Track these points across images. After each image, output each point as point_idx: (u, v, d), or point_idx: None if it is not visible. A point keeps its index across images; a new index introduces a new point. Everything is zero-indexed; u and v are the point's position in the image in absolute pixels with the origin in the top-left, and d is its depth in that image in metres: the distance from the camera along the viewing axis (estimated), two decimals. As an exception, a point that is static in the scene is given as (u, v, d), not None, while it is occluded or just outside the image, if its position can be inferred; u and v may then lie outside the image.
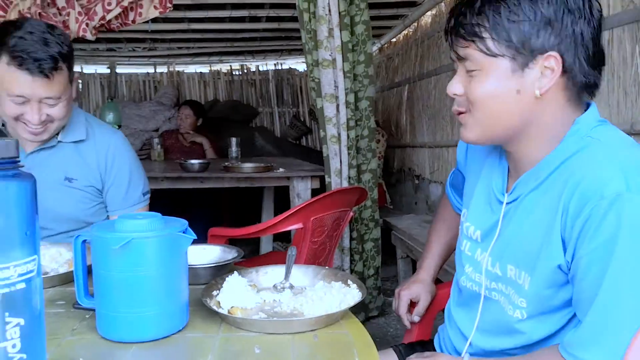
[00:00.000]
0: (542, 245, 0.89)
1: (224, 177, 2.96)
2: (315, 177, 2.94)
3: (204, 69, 5.83)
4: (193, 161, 3.03)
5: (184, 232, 0.93)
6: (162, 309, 0.89)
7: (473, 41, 0.89)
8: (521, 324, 0.95)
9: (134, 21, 2.82)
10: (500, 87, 0.89)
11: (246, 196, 4.02)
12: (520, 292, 0.93)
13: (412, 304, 1.31)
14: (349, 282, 1.09)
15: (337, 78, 2.77)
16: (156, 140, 3.85)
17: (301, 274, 1.17)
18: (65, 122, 1.50)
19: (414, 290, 1.31)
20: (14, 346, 0.54)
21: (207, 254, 1.28)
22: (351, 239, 2.91)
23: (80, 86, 5.52)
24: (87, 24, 2.64)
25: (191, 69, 5.82)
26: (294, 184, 2.90)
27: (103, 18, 2.68)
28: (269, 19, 4.20)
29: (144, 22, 2.89)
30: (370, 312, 2.96)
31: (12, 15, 2.54)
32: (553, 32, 0.86)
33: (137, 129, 4.75)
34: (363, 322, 2.40)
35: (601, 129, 0.90)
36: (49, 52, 1.34)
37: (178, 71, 5.75)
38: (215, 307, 0.97)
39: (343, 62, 2.76)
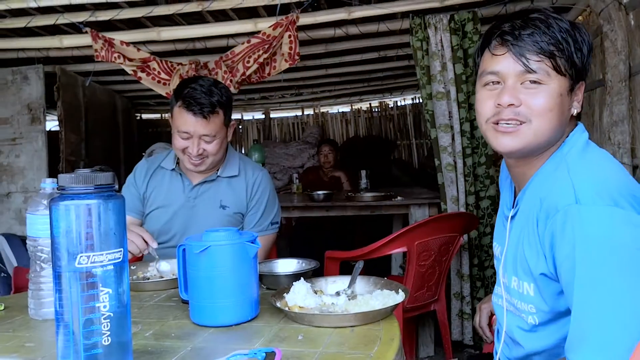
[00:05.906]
0: (531, 255, 0.97)
1: (346, 205, 3.21)
2: (433, 204, 3.04)
3: (346, 108, 6.26)
4: (319, 192, 3.34)
5: (252, 243, 1.19)
6: (234, 301, 1.15)
7: (548, 57, 0.98)
8: (537, 328, 1.01)
9: (269, 74, 3.27)
10: (560, 102, 0.99)
11: (378, 225, 4.23)
12: (526, 300, 1.01)
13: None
14: (400, 290, 1.24)
15: (451, 109, 2.89)
16: (295, 175, 4.30)
17: (364, 284, 1.35)
18: (218, 158, 1.87)
19: None
20: (105, 306, 0.83)
21: (290, 266, 1.53)
22: (472, 265, 2.93)
23: (240, 130, 6.32)
24: (230, 80, 3.15)
25: (335, 109, 6.29)
26: (411, 211, 3.04)
27: (243, 74, 3.17)
28: (400, 58, 4.43)
29: (278, 74, 3.33)
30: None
31: (175, 79, 3.15)
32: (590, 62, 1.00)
33: (285, 166, 5.29)
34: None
35: (579, 150, 0.99)
36: (210, 99, 1.75)
37: (323, 112, 6.26)
38: (279, 305, 1.20)
39: (457, 93, 2.87)
